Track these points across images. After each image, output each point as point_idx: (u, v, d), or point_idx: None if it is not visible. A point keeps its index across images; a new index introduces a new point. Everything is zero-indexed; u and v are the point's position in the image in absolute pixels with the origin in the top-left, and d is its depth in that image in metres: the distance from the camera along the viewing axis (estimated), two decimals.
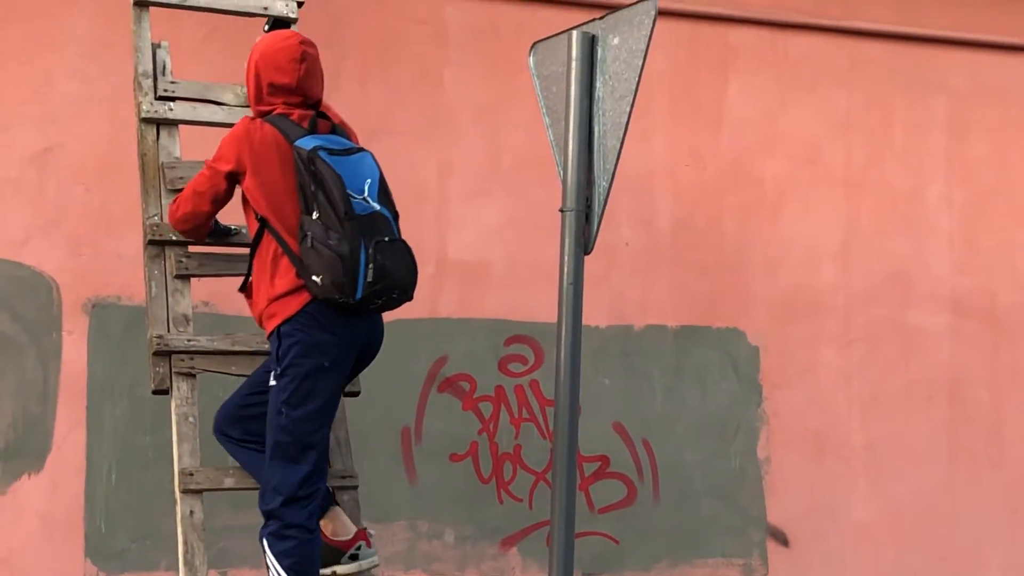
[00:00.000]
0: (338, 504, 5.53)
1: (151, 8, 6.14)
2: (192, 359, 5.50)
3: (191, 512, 5.27)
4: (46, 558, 6.82)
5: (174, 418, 5.38)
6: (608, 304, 7.67)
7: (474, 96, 7.62)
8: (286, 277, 5.20)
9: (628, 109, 5.85)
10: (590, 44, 6.00)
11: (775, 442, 8.03)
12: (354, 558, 5.33)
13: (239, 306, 6.21)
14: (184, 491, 5.29)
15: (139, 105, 5.92)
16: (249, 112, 5.52)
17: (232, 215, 5.46)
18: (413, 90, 7.51)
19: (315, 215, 5.07)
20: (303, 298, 5.16)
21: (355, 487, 5.74)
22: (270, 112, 5.30)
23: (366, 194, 5.18)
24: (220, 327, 6.38)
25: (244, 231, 5.67)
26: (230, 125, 5.72)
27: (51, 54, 7.03)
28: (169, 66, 6.07)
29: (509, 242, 7.58)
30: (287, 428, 5.16)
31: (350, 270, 5.05)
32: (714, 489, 7.86)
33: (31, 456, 6.83)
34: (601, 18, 6.03)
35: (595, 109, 5.99)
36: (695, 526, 7.82)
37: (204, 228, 5.51)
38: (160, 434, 6.44)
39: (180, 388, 5.46)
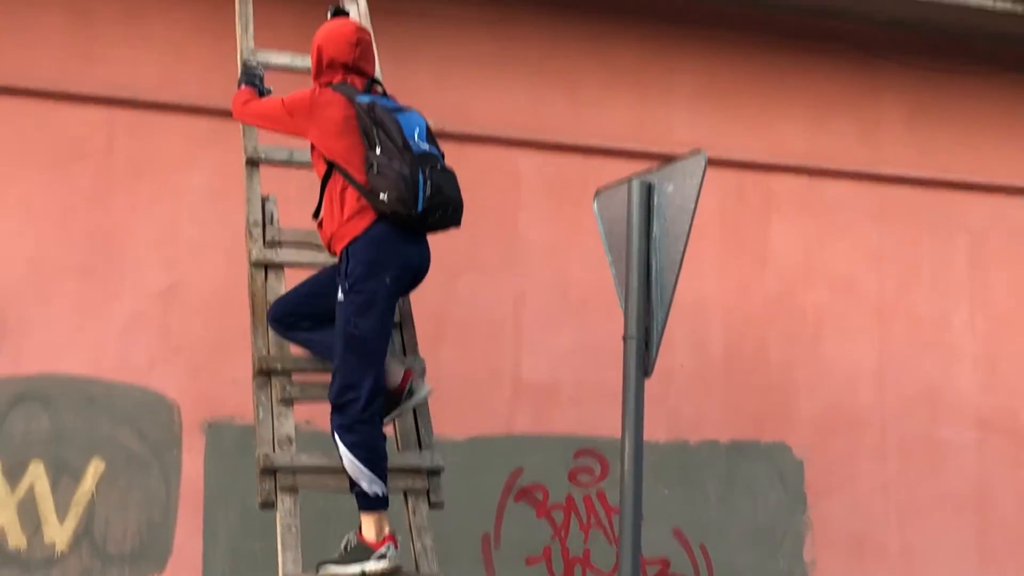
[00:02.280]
0: None
1: (261, 165, 6.25)
2: (295, 476, 5.52)
3: None
4: None
5: (279, 529, 5.38)
6: (666, 421, 7.64)
7: (545, 236, 7.70)
8: (351, 204, 5.49)
9: (682, 248, 5.87)
10: (647, 191, 6.03)
11: (819, 546, 7.94)
12: (382, 557, 5.45)
13: None
14: None
15: (250, 251, 6.02)
16: None
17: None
18: (491, 231, 7.59)
19: (378, 150, 5.43)
20: (367, 220, 5.45)
21: None
22: (330, 83, 5.71)
23: (416, 139, 5.55)
24: (319, 443, 6.36)
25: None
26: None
27: (175, 204, 7.15)
28: (276, 216, 6.18)
29: (577, 365, 7.60)
30: (358, 336, 5.42)
31: (411, 186, 5.38)
32: None
33: (154, 560, 6.86)
34: (657, 168, 6.08)
35: (652, 248, 5.99)
36: None
37: (255, 125, 6.05)
38: (269, 540, 6.29)
39: (284, 502, 5.46)
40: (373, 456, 5.46)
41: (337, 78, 5.73)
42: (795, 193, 8.19)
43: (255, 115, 5.92)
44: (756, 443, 7.93)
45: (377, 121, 5.51)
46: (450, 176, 5.61)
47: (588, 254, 7.29)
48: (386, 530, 5.44)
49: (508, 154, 7.69)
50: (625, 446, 5.87)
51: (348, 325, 5.46)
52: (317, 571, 5.51)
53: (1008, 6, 7.97)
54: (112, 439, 6.94)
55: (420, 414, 5.99)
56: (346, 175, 5.51)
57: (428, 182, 5.44)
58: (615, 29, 7.92)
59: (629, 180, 6.10)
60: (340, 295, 5.51)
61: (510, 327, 7.62)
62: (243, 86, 6.07)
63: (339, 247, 5.54)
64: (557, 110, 7.82)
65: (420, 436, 5.92)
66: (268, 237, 6.11)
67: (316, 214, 5.74)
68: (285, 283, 6.07)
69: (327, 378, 5.87)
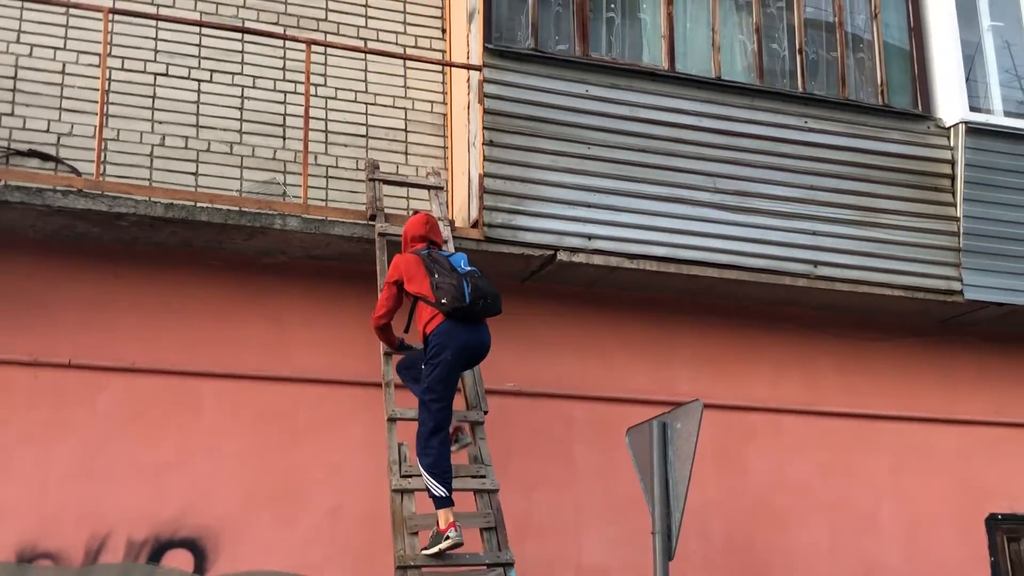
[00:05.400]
0: None
1: (397, 422, 6.39)
2: None
3: None
4: None
5: None
6: None
7: (594, 462, 7.58)
8: (429, 313, 6.11)
9: (689, 467, 6.10)
10: (663, 428, 6.25)
11: None
12: (447, 538, 5.89)
13: None
14: None
15: (391, 481, 6.15)
16: None
17: None
18: (556, 459, 7.55)
19: (436, 276, 6.08)
20: (438, 320, 6.06)
21: None
22: (412, 250, 6.36)
23: (463, 265, 6.20)
24: None
25: (405, 343, 6.54)
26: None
27: (341, 450, 7.08)
28: (408, 457, 6.29)
29: (622, 553, 7.40)
30: (429, 388, 6.08)
31: (460, 288, 6.00)
32: None
33: None
34: (669, 412, 6.33)
35: (669, 468, 6.20)
36: None
37: (388, 320, 6.40)
38: None
39: None
40: (436, 470, 5.98)
41: (415, 247, 6.37)
42: (764, 426, 8.12)
43: (380, 309, 6.38)
44: None
45: (433, 260, 6.18)
46: (485, 280, 6.17)
47: (624, 473, 7.18)
48: (451, 519, 5.93)
49: (565, 405, 7.63)
50: None
51: (424, 380, 6.12)
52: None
53: (900, 293, 8.03)
54: None
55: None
56: (424, 299, 6.11)
57: (470, 285, 6.03)
58: (635, 317, 7.93)
59: (650, 421, 6.32)
60: (423, 363, 6.16)
61: (572, 526, 7.45)
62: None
63: (423, 336, 6.17)
64: (597, 373, 7.76)
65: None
66: (402, 471, 6.19)
67: (407, 329, 6.38)
68: (415, 503, 6.11)
69: (448, 569, 5.99)
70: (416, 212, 6.83)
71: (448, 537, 5.86)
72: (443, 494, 5.95)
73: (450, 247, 6.79)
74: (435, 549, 5.89)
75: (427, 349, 6.15)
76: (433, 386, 6.08)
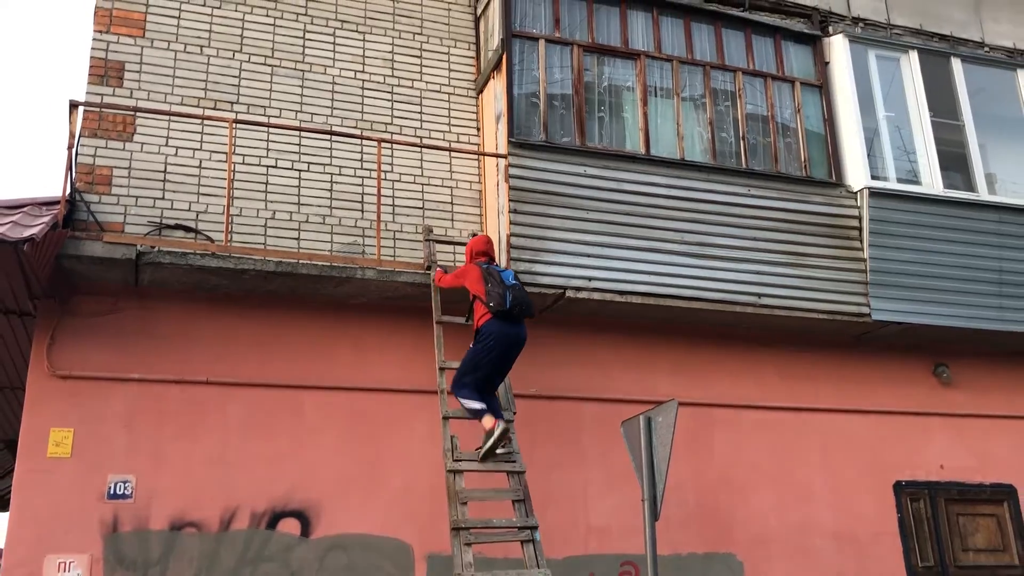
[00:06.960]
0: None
1: (450, 420, 6.47)
2: None
3: None
4: None
5: None
6: (668, 542, 7.50)
7: (598, 448, 7.61)
8: (482, 310, 6.35)
9: (668, 451, 6.22)
10: (648, 421, 6.44)
11: None
12: (495, 431, 6.10)
13: (506, 550, 6.53)
14: None
15: (446, 464, 6.33)
16: None
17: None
18: (568, 446, 7.59)
19: (490, 285, 6.33)
20: (487, 317, 6.31)
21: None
22: (473, 261, 6.57)
23: (510, 280, 6.42)
24: (485, 566, 6.40)
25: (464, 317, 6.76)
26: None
27: (408, 441, 7.11)
28: (458, 445, 6.46)
29: (621, 515, 7.49)
30: (472, 359, 6.31)
31: (503, 298, 6.27)
32: None
33: None
34: (653, 409, 6.48)
35: (653, 452, 6.31)
36: None
37: (439, 288, 6.71)
38: None
39: None
40: (472, 394, 6.26)
41: (477, 259, 6.60)
42: (726, 419, 8.11)
43: (441, 283, 6.73)
44: (716, 553, 7.70)
45: (489, 273, 6.39)
46: (523, 292, 6.42)
47: (620, 456, 7.29)
48: (494, 420, 6.20)
49: (575, 405, 7.68)
50: (647, 558, 6.17)
51: (470, 353, 6.36)
52: (479, 456, 6.20)
53: (823, 316, 8.05)
54: (379, 567, 6.85)
55: (536, 550, 6.11)
56: (480, 300, 6.37)
57: (511, 295, 6.29)
58: (625, 338, 7.91)
59: (639, 416, 6.49)
60: (472, 344, 6.40)
61: (581, 497, 7.51)
62: (438, 270, 6.88)
63: (477, 327, 6.39)
64: (598, 381, 7.76)
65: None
66: (454, 457, 6.37)
67: (468, 320, 6.63)
68: (464, 481, 6.26)
69: (490, 531, 6.11)
70: (475, 234, 7.13)
71: (496, 429, 6.17)
72: (481, 406, 6.29)
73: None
74: (490, 442, 6.18)
75: (479, 336, 6.49)
76: (478, 359, 6.41)
